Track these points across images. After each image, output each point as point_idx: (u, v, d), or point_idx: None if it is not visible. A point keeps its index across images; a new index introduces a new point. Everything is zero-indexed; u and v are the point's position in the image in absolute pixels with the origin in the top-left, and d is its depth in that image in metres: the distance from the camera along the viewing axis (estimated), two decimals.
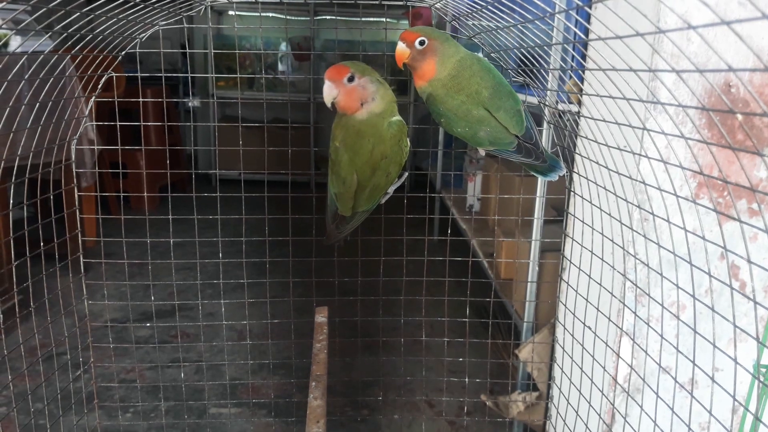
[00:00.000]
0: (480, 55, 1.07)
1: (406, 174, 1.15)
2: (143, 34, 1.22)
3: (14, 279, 1.04)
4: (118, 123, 1.29)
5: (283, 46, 4.66)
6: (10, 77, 0.89)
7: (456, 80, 1.01)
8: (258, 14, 1.41)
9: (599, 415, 1.13)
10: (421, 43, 0.99)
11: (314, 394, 1.00)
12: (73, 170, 1.28)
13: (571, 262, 1.25)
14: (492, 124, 1.02)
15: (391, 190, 1.13)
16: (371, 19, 4.51)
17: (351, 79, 0.97)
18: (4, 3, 0.72)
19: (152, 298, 1.82)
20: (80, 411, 1.40)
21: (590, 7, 1.00)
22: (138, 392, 1.78)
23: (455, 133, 1.07)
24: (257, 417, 1.71)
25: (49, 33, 0.90)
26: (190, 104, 4.60)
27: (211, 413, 1.72)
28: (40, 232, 1.13)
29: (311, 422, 0.93)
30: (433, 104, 1.06)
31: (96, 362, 1.37)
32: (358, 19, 3.83)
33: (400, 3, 1.33)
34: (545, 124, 1.41)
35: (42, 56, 0.97)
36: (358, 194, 1.07)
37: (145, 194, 1.61)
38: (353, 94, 0.99)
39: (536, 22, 0.98)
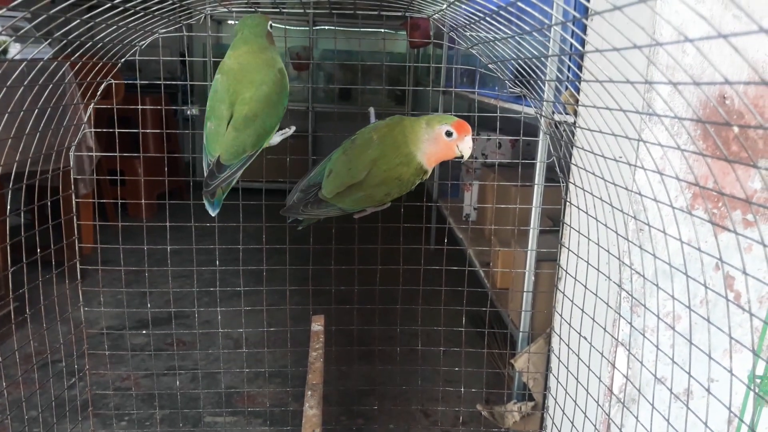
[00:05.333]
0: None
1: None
2: (143, 42, 1.23)
3: (10, 285, 1.04)
4: (117, 130, 1.29)
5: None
6: (9, 83, 0.89)
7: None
8: None
9: (594, 425, 1.13)
10: None
11: (310, 403, 1.00)
12: (72, 177, 1.28)
13: (567, 272, 1.26)
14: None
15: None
16: (370, 29, 4.54)
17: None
18: (4, 10, 0.72)
19: (149, 305, 1.82)
20: (75, 419, 1.40)
21: (587, 19, 1.00)
22: (133, 400, 1.77)
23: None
24: (252, 426, 1.70)
25: (49, 40, 0.90)
26: (188, 112, 4.61)
27: (207, 422, 1.71)
28: (37, 238, 1.13)
29: (307, 431, 0.93)
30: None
31: (91, 370, 1.36)
32: (357, 29, 3.87)
33: (398, 14, 1.34)
34: (541, 135, 1.42)
35: (41, 63, 0.98)
36: (351, 189, 1.07)
37: (143, 201, 1.61)
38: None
39: (533, 33, 0.99)
